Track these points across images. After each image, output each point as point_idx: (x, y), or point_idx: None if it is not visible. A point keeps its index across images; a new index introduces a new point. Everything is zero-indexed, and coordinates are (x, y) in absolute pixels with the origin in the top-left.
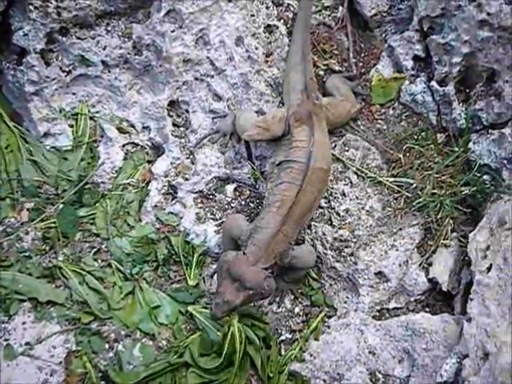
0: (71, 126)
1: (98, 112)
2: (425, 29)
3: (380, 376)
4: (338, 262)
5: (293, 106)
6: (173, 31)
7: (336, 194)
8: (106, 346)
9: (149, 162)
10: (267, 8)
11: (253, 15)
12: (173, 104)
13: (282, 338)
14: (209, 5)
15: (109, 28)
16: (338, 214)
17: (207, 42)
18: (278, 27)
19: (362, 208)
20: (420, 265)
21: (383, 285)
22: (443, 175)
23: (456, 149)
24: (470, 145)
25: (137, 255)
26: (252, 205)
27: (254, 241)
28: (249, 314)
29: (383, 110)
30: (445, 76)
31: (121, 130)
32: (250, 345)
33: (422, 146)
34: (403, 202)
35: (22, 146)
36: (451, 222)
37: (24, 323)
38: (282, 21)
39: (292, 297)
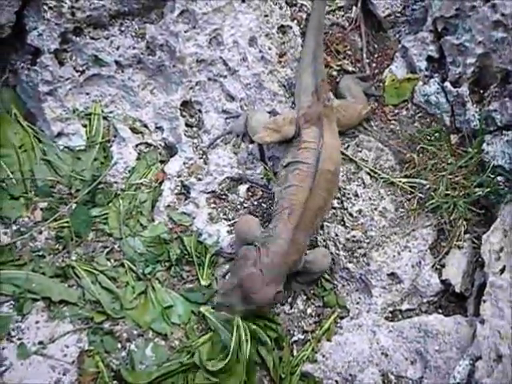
0: (85, 126)
1: (111, 112)
2: (439, 29)
3: (392, 377)
4: (350, 262)
5: (303, 107)
6: (186, 31)
7: (349, 194)
8: (119, 345)
9: (162, 162)
10: (281, 8)
11: (266, 15)
12: (186, 104)
13: (295, 338)
14: (222, 5)
15: (122, 28)
16: (350, 214)
17: (220, 43)
18: (291, 27)
19: (375, 209)
20: (433, 266)
21: (396, 286)
22: (456, 176)
23: (470, 150)
24: (484, 146)
25: (149, 255)
26: (264, 205)
27: (269, 253)
28: (259, 315)
29: (396, 111)
30: (459, 77)
31: (134, 130)
32: (261, 346)
33: (435, 146)
34: (416, 202)
35: (36, 146)
36: (464, 223)
37: (37, 322)
38: (295, 21)
39: (304, 297)
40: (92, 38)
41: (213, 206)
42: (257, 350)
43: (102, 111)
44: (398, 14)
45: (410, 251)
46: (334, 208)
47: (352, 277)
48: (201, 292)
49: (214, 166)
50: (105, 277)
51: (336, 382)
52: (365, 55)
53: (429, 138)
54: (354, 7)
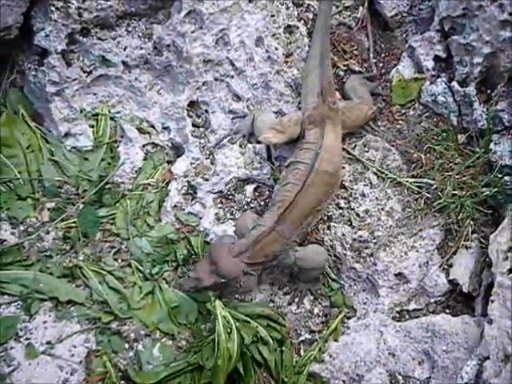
0: (92, 127)
1: (118, 112)
2: (446, 29)
3: (400, 378)
4: (357, 262)
5: (308, 109)
6: (193, 32)
7: (356, 194)
8: (126, 345)
9: (168, 162)
10: (287, 8)
11: (273, 16)
12: (193, 104)
13: (302, 338)
14: (229, 5)
15: (129, 29)
16: (357, 214)
17: (227, 43)
18: (298, 28)
19: (382, 209)
20: (440, 266)
21: (403, 286)
22: (464, 176)
23: (477, 150)
24: (491, 146)
25: (156, 255)
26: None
27: (247, 235)
28: (265, 314)
29: (403, 111)
30: (466, 76)
31: (141, 131)
32: (264, 346)
33: (442, 146)
34: (423, 202)
35: (43, 146)
36: (472, 223)
37: (45, 322)
38: (302, 21)
39: (311, 297)
40: (99, 39)
41: (220, 206)
42: (259, 350)
43: (109, 111)
44: (405, 14)
45: (417, 251)
46: (341, 208)
47: (359, 277)
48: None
49: (221, 166)
50: (112, 277)
51: (343, 381)
52: (371, 55)
53: (436, 137)
54: (361, 7)
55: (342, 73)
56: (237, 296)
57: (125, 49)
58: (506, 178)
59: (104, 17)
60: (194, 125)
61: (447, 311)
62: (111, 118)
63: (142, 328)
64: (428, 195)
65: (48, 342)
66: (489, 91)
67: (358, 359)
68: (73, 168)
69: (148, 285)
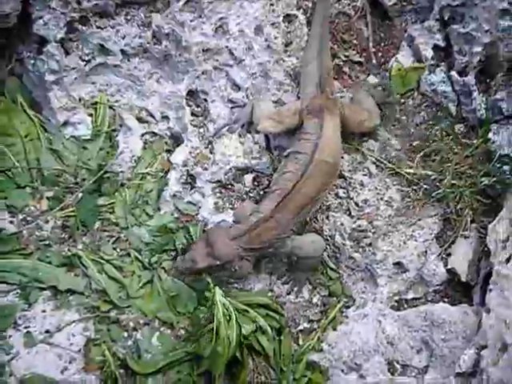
0: (90, 115)
1: (117, 101)
2: (445, 18)
3: (398, 366)
4: (356, 252)
5: (307, 98)
6: (192, 20)
7: (355, 184)
8: (125, 334)
9: (168, 151)
10: None
11: (272, 4)
12: (192, 93)
13: (300, 327)
14: None
15: (128, 17)
16: (356, 204)
17: (226, 32)
18: (297, 16)
19: (381, 198)
20: (439, 255)
21: (402, 275)
22: (462, 166)
23: (475, 140)
24: (490, 135)
25: (155, 244)
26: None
27: (245, 221)
28: (264, 304)
29: (402, 100)
30: (465, 66)
31: (140, 120)
32: (262, 334)
33: (441, 136)
34: (422, 192)
35: (42, 135)
36: (470, 212)
37: (44, 311)
38: (301, 10)
39: (310, 287)
40: (98, 27)
41: (218, 195)
42: (257, 339)
43: (108, 100)
44: (405, 3)
45: (415, 240)
46: (340, 197)
47: (358, 266)
48: (206, 281)
49: (220, 155)
50: (111, 266)
51: (342, 370)
52: (371, 44)
53: (435, 127)
54: None
55: (341, 63)
56: (236, 286)
57: (124, 37)
58: (505, 167)
59: (103, 5)
60: (193, 114)
61: (445, 300)
62: (110, 107)
63: (141, 317)
64: (426, 186)
65: (47, 331)
66: (488, 80)
67: (357, 348)
68: (71, 157)
69: (147, 274)
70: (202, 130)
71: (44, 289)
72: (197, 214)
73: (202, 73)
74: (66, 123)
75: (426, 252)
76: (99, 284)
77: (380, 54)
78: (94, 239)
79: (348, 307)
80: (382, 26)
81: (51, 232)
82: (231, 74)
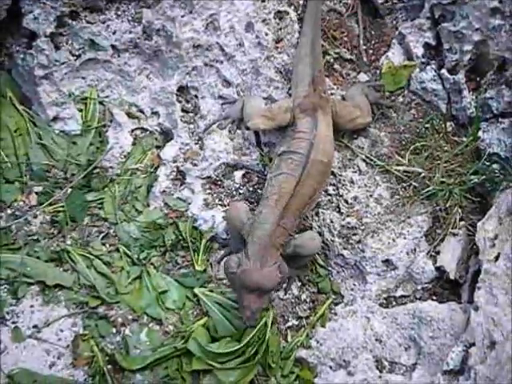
0: (80, 111)
1: (107, 97)
2: (436, 16)
3: (386, 363)
4: (345, 249)
5: (299, 97)
6: (183, 16)
7: (344, 181)
8: (113, 330)
9: (157, 147)
10: None
11: (263, 1)
12: (182, 89)
13: (289, 324)
14: None
15: (119, 12)
16: (346, 201)
17: (217, 28)
18: (288, 13)
19: (371, 196)
20: (428, 253)
21: (390, 273)
22: (452, 164)
23: (465, 137)
24: (480, 133)
25: (145, 240)
26: (260, 191)
27: (254, 238)
28: None
29: (393, 98)
30: (455, 64)
31: (130, 115)
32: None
33: (431, 134)
34: (412, 190)
35: (31, 130)
36: (460, 210)
37: (32, 306)
38: (292, 7)
39: (299, 283)
40: (88, 22)
41: (208, 191)
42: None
43: (98, 96)
44: (396, 1)
45: (404, 238)
46: (330, 195)
47: (347, 263)
48: (195, 277)
49: (210, 151)
50: (100, 261)
51: (330, 367)
52: (362, 42)
53: (425, 125)
54: None
55: (332, 60)
56: (225, 282)
57: (114, 33)
58: (494, 165)
59: (93, 0)
60: (183, 110)
61: (434, 298)
62: (100, 102)
63: (130, 313)
64: (415, 184)
65: (35, 326)
66: (478, 79)
67: (345, 345)
68: (61, 152)
69: (136, 270)
70: (192, 126)
71: (32, 284)
72: (186, 210)
73: (193, 69)
74: (55, 118)
75: (414, 250)
76: (88, 279)
77: (371, 52)
78: (82, 234)
79: (337, 304)
80: (373, 23)
81: (40, 227)
82: (222, 70)
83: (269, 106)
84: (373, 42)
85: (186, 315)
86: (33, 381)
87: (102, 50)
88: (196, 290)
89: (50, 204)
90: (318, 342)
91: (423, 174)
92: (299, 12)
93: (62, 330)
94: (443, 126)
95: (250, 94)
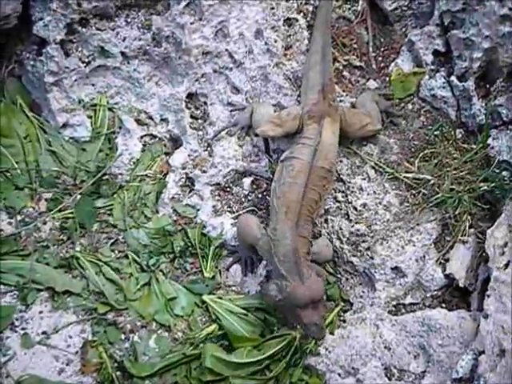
0: (90, 117)
1: (116, 103)
2: (445, 23)
3: (395, 371)
4: (354, 256)
5: (308, 104)
6: (192, 23)
7: (353, 188)
8: (122, 336)
9: (166, 153)
10: (287, 1)
11: (272, 8)
12: (191, 96)
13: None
14: None
15: (128, 19)
16: (355, 208)
17: (226, 35)
18: (297, 20)
19: (380, 203)
20: (437, 260)
21: (399, 280)
22: (461, 171)
23: (474, 145)
24: (490, 141)
25: (153, 247)
26: (269, 198)
27: (280, 257)
28: (262, 307)
29: (402, 105)
30: (465, 71)
31: (139, 122)
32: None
33: (440, 141)
34: (421, 197)
35: (41, 137)
36: (469, 217)
37: (41, 312)
38: (301, 14)
39: None
40: (98, 29)
41: (217, 198)
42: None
43: (108, 102)
44: (405, 8)
45: (414, 245)
46: (339, 201)
47: (356, 270)
48: (204, 284)
49: (219, 158)
50: (109, 268)
51: (339, 375)
52: (371, 49)
53: (434, 132)
54: (361, 0)
55: (341, 67)
56: (234, 289)
57: (124, 39)
58: (504, 173)
59: (103, 7)
60: (192, 117)
61: (443, 305)
62: (109, 109)
63: (138, 319)
64: (424, 191)
65: (44, 332)
66: (488, 86)
67: (354, 352)
68: (70, 159)
69: (144, 276)
70: (201, 133)
71: (41, 290)
72: (195, 217)
73: (202, 76)
74: (65, 125)
75: (424, 257)
76: (97, 286)
77: (380, 59)
78: (92, 241)
79: (346, 311)
80: (383, 30)
81: (49, 233)
82: (231, 77)
83: (278, 113)
84: (382, 49)
85: (195, 322)
86: None
87: (112, 56)
88: (205, 297)
89: (60, 210)
90: (326, 350)
91: (432, 181)
92: (308, 19)
93: (70, 337)
94: (452, 133)
95: (259, 100)
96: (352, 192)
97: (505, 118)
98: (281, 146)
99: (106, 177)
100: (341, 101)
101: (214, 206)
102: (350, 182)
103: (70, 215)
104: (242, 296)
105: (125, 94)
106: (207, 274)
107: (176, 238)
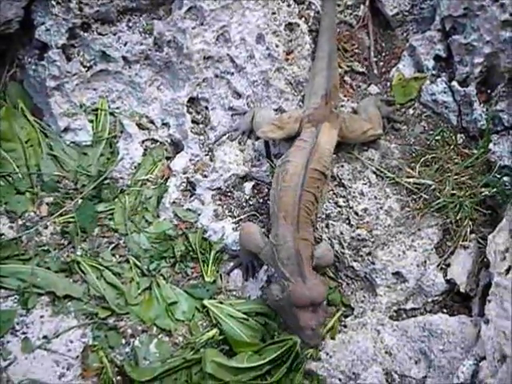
0: (91, 122)
1: (117, 108)
2: (447, 29)
3: (396, 376)
4: (355, 261)
5: (310, 108)
6: (194, 28)
7: (354, 193)
8: (123, 341)
9: (168, 158)
10: (288, 6)
11: (274, 13)
12: (192, 101)
13: None
14: (230, 2)
15: (130, 24)
16: (356, 213)
17: (228, 39)
18: (298, 25)
19: (381, 208)
20: (438, 266)
21: (401, 285)
22: (463, 176)
23: (476, 150)
24: (491, 146)
25: (154, 251)
26: (270, 203)
27: (284, 261)
28: (262, 312)
29: (403, 110)
30: (466, 76)
31: (140, 126)
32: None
33: (441, 146)
34: (422, 202)
35: (43, 141)
36: (470, 223)
37: (42, 317)
38: (303, 19)
39: None
40: (100, 34)
41: (218, 202)
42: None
43: (109, 107)
44: (406, 13)
45: (415, 250)
46: (340, 206)
47: (357, 275)
48: (205, 288)
49: (220, 162)
50: (110, 272)
51: (339, 380)
52: (372, 54)
53: (435, 137)
54: (362, 5)
55: (343, 73)
56: (234, 293)
57: (125, 44)
58: (505, 178)
59: (105, 12)
60: (193, 121)
61: (444, 311)
62: (111, 114)
63: (139, 324)
64: (426, 196)
65: (45, 337)
66: (489, 91)
67: (355, 357)
68: (72, 163)
69: (145, 281)
70: (202, 138)
71: (42, 294)
72: (196, 222)
73: (203, 80)
74: (66, 129)
75: (425, 262)
76: (97, 290)
77: (381, 64)
78: (92, 245)
79: (347, 316)
80: (384, 35)
81: (50, 238)
82: (232, 81)
83: (279, 116)
84: (383, 54)
85: (196, 326)
86: None
87: (113, 61)
88: (205, 302)
89: (61, 215)
90: (327, 355)
91: (433, 187)
92: (310, 24)
93: (71, 341)
94: (454, 138)
95: (260, 105)
96: (353, 197)
97: (506, 123)
98: (282, 150)
99: (107, 181)
100: (342, 106)
101: (215, 211)
102: (351, 187)
103: (71, 219)
104: (242, 301)
105: (126, 98)
106: (208, 278)
107: (177, 243)
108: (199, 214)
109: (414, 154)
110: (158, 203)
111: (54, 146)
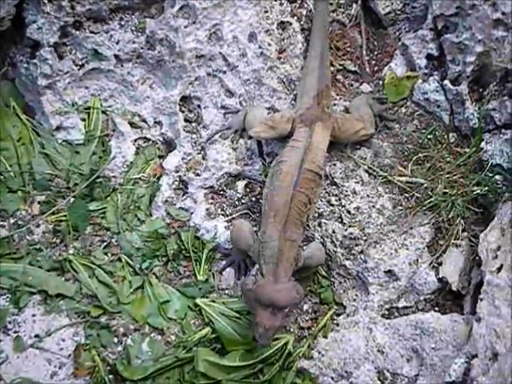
0: (83, 120)
1: (110, 106)
2: (439, 27)
3: (388, 375)
4: (347, 259)
5: (302, 108)
6: (186, 26)
7: (347, 191)
8: (115, 339)
9: (160, 156)
10: (281, 4)
11: (266, 11)
12: (185, 99)
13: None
14: (222, 0)
15: (122, 22)
16: (348, 211)
17: (220, 38)
18: (291, 24)
19: (373, 206)
20: (430, 264)
21: (393, 283)
22: (455, 175)
23: (468, 149)
24: (483, 144)
25: (147, 250)
26: (262, 201)
27: (265, 259)
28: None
29: (396, 109)
30: (458, 75)
31: (133, 125)
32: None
33: (433, 145)
34: (414, 201)
35: (34, 139)
36: (462, 221)
37: (34, 316)
38: (295, 17)
39: None
40: (92, 32)
41: (210, 201)
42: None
43: (101, 105)
44: (399, 12)
45: (407, 249)
46: (332, 205)
47: (349, 274)
48: (197, 287)
49: (213, 161)
50: (102, 271)
51: (332, 378)
52: (364, 52)
53: (427, 136)
54: (355, 4)
55: (335, 72)
56: (227, 292)
57: (117, 42)
58: (497, 176)
59: (97, 10)
60: (186, 120)
61: (436, 309)
62: (103, 112)
63: (132, 322)
64: (418, 195)
65: (36, 336)
66: (481, 90)
67: (347, 356)
68: (64, 161)
69: (138, 279)
70: (194, 136)
71: (34, 293)
72: (188, 220)
73: (196, 79)
74: (58, 128)
75: (417, 260)
76: (90, 289)
77: (374, 63)
78: (85, 244)
79: (339, 315)
80: (376, 34)
81: (42, 236)
82: (225, 80)
83: (271, 115)
84: (376, 52)
85: (188, 325)
86: None
87: (106, 59)
88: (198, 300)
89: (53, 213)
90: (319, 353)
91: (426, 185)
92: (302, 22)
93: (63, 340)
94: (446, 136)
95: (253, 104)
96: (345, 195)
97: (498, 122)
98: (274, 149)
99: (100, 180)
100: (335, 104)
101: (207, 209)
102: (343, 186)
103: (63, 218)
104: (235, 299)
105: (118, 96)
106: (200, 277)
107: (169, 241)
108: (192, 213)
109: (406, 153)
110: (151, 202)
111: (46, 145)
